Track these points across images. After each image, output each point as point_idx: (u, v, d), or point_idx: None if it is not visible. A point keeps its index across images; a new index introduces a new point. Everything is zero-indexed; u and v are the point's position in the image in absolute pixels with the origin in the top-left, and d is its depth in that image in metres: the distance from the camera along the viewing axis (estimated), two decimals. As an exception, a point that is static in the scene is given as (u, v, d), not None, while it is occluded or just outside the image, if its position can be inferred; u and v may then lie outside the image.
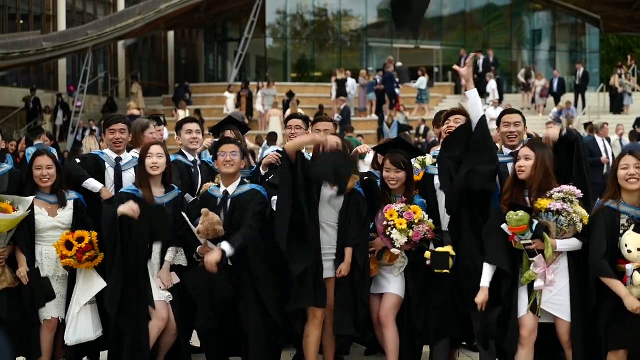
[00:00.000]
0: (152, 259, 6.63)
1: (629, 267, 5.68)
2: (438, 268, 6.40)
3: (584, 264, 5.88)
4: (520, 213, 5.82)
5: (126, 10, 32.44)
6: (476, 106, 6.44)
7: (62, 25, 32.91)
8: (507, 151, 6.63)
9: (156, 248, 6.65)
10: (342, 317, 6.52)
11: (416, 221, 6.37)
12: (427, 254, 6.46)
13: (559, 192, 5.89)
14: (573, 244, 5.92)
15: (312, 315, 6.52)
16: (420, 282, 6.63)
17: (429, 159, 7.05)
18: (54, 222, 6.60)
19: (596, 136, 17.40)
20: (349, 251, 6.50)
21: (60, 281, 6.65)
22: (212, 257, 6.18)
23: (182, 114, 26.68)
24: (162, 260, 6.68)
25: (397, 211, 6.40)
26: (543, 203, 5.87)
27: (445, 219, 6.64)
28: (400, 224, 6.33)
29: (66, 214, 6.65)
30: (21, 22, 32.42)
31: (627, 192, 5.91)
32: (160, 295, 6.60)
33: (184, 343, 6.76)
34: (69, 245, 6.41)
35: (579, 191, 5.92)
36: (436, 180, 6.72)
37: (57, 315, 6.62)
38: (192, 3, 31.24)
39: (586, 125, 21.22)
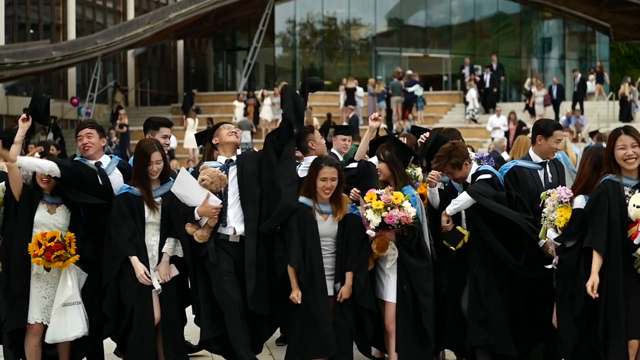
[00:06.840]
0: (151, 252, 6.61)
1: None
2: (448, 241, 6.61)
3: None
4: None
5: (135, 20, 32.60)
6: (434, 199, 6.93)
7: (71, 34, 33.04)
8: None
9: (154, 240, 6.60)
10: (340, 338, 6.43)
11: (393, 204, 6.33)
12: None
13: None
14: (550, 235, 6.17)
15: None
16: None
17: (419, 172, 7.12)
18: (50, 219, 6.55)
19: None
20: (349, 275, 6.46)
21: (50, 283, 6.57)
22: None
23: (191, 122, 26.76)
24: (160, 254, 6.63)
25: (377, 194, 6.40)
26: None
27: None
28: (377, 206, 6.31)
29: (62, 215, 6.60)
30: (31, 31, 32.58)
31: (625, 169, 5.93)
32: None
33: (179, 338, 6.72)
34: (39, 244, 6.38)
35: (565, 194, 6.09)
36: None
37: (40, 319, 6.54)
38: (201, 12, 31.35)
39: (593, 133, 21.14)
